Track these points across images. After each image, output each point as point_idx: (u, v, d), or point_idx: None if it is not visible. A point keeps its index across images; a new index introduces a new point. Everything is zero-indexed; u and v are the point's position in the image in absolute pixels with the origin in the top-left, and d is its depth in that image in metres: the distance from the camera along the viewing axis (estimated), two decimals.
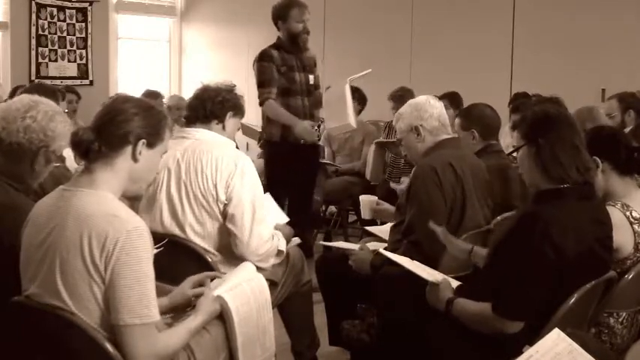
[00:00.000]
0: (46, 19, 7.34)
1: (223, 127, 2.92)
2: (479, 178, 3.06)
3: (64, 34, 7.53)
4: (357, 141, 5.84)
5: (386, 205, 3.43)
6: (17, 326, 2.00)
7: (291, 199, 4.63)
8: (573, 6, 6.19)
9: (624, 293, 2.38)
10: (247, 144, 6.83)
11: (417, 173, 2.96)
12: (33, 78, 7.12)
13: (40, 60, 7.31)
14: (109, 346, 1.86)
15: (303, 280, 3.12)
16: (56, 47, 7.45)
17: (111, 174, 1.97)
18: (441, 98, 3.33)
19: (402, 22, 7.10)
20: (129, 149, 1.99)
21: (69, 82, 7.07)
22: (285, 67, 4.47)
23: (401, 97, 5.24)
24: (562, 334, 1.77)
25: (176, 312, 2.29)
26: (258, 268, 2.58)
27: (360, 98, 5.84)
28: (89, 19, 7.71)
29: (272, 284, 2.76)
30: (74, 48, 7.62)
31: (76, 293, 1.86)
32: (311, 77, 4.61)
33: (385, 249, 2.88)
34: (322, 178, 5.57)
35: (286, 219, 3.24)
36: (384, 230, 3.33)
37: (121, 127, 1.98)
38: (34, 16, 7.21)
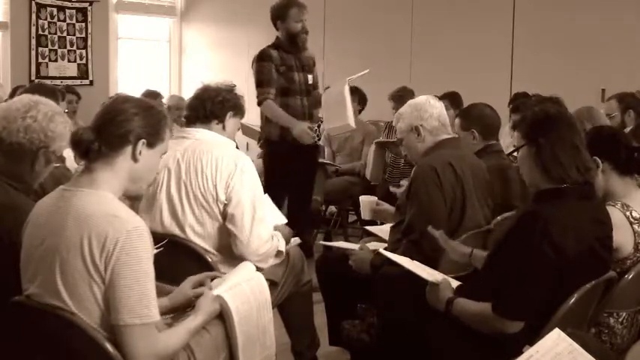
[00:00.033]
0: (46, 19, 7.35)
1: (223, 127, 2.92)
2: (479, 178, 3.06)
3: (64, 34, 7.53)
4: (357, 141, 5.84)
5: (386, 206, 3.43)
6: (17, 326, 2.00)
7: (290, 199, 4.62)
8: (573, 6, 6.19)
9: (624, 293, 2.39)
10: (247, 144, 6.84)
11: (417, 173, 2.96)
12: (33, 78, 7.12)
13: (40, 60, 7.31)
14: (109, 346, 1.86)
15: (303, 280, 3.12)
16: (56, 47, 7.45)
17: (111, 174, 1.97)
18: (441, 98, 3.33)
19: (402, 22, 7.11)
20: (129, 149, 1.99)
21: (69, 82, 7.08)
22: (284, 67, 4.47)
23: (401, 97, 5.24)
24: (562, 334, 1.77)
25: (176, 312, 2.29)
26: (258, 268, 2.58)
27: (360, 98, 5.85)
28: (89, 19, 7.71)
29: (272, 284, 2.76)
30: (74, 48, 7.63)
31: (76, 293, 1.86)
32: (310, 77, 4.61)
33: (385, 249, 2.88)
34: (322, 178, 5.57)
35: (285, 220, 3.23)
36: (384, 230, 3.33)
37: (121, 126, 1.98)
38: (34, 16, 7.21)
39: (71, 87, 6.45)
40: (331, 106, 4.40)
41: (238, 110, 2.98)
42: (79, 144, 1.96)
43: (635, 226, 2.46)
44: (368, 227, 3.59)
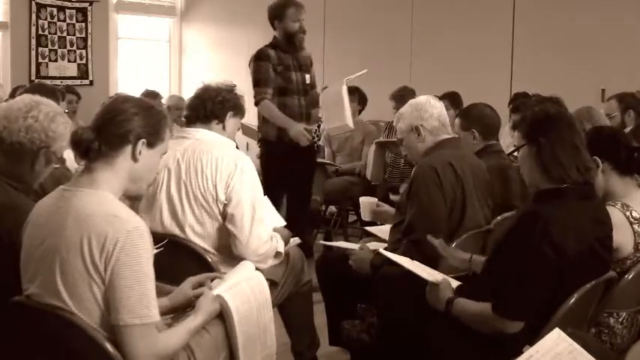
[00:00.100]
0: (46, 19, 7.35)
1: (223, 127, 2.92)
2: (479, 178, 3.06)
3: (64, 34, 7.53)
4: (357, 141, 5.84)
5: (386, 207, 3.43)
6: (17, 326, 2.00)
7: (289, 199, 4.63)
8: (573, 6, 6.19)
9: (624, 293, 2.38)
10: (247, 144, 6.83)
11: (417, 173, 2.96)
12: (33, 78, 7.12)
13: (40, 60, 7.31)
14: (109, 346, 1.86)
15: (303, 280, 3.12)
16: (56, 47, 7.45)
17: (111, 174, 1.97)
18: (441, 98, 3.33)
19: (402, 22, 7.11)
20: (129, 149, 1.99)
21: (69, 82, 7.08)
22: (281, 67, 4.46)
23: (402, 96, 5.24)
24: (562, 334, 1.77)
25: (176, 312, 2.29)
26: (257, 268, 2.58)
27: (360, 98, 5.84)
28: (89, 19, 7.71)
29: (272, 284, 2.76)
30: (74, 48, 7.63)
31: (76, 293, 1.86)
32: (307, 76, 4.61)
33: (385, 249, 2.88)
34: (322, 178, 5.57)
35: (283, 222, 3.23)
36: (384, 230, 3.33)
37: (120, 126, 1.98)
38: (34, 16, 7.21)
39: (71, 87, 6.45)
40: (329, 107, 4.40)
41: (238, 110, 2.98)
42: (78, 143, 1.96)
43: (635, 226, 2.46)
44: (368, 227, 3.59)
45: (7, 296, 1.99)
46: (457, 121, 3.63)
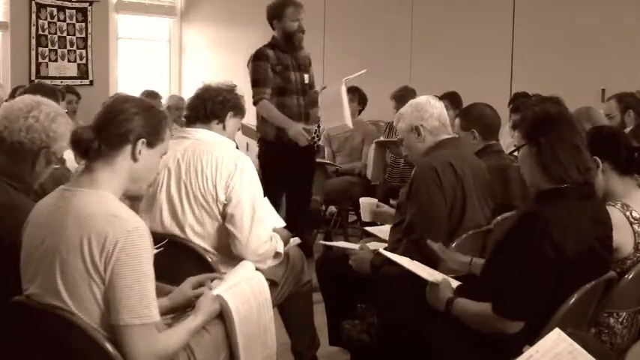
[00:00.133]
0: (46, 19, 7.34)
1: (224, 127, 2.92)
2: (479, 178, 3.06)
3: (64, 34, 7.53)
4: (357, 141, 5.84)
5: (386, 208, 3.43)
6: (17, 326, 2.00)
7: (288, 199, 4.63)
8: (573, 6, 6.19)
9: (624, 293, 2.38)
10: (247, 144, 6.83)
11: (417, 173, 2.96)
12: (33, 78, 7.12)
13: (40, 60, 7.31)
14: (109, 346, 1.86)
15: (303, 280, 3.12)
16: (56, 47, 7.45)
17: (111, 174, 1.97)
18: (440, 99, 3.32)
19: (402, 22, 7.11)
20: (128, 148, 1.99)
21: (69, 82, 7.08)
22: (280, 67, 4.46)
23: (403, 96, 5.24)
24: (562, 334, 1.77)
25: (176, 312, 2.29)
26: (257, 269, 2.58)
27: (360, 98, 5.84)
28: (89, 19, 7.71)
29: (272, 284, 2.76)
30: (74, 48, 7.63)
31: (76, 293, 1.86)
32: (306, 76, 4.60)
33: (385, 249, 2.89)
34: (322, 178, 5.57)
35: (283, 223, 3.23)
36: (384, 230, 3.33)
37: (121, 126, 1.98)
38: (34, 16, 7.21)
39: (71, 87, 6.45)
40: (328, 107, 4.40)
41: (239, 110, 2.98)
42: (78, 143, 1.96)
43: (635, 226, 2.46)
44: (368, 227, 3.59)
45: (7, 296, 1.99)
46: (457, 121, 3.63)
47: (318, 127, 5.85)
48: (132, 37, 8.48)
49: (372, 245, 3.18)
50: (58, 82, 6.86)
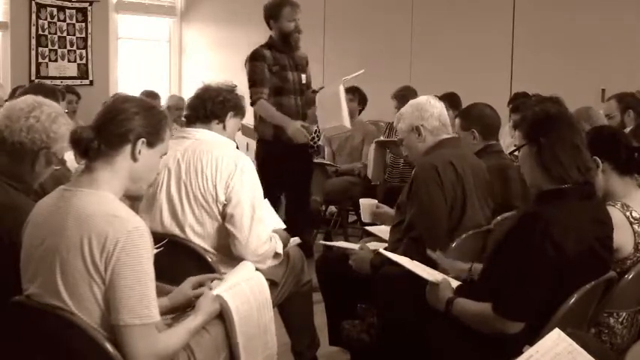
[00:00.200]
0: (46, 19, 7.34)
1: (224, 127, 2.92)
2: (479, 177, 3.06)
3: (64, 34, 7.52)
4: (357, 141, 5.84)
5: (385, 209, 3.43)
6: (17, 326, 2.00)
7: (287, 199, 4.63)
8: (573, 6, 6.19)
9: (624, 293, 2.39)
10: (247, 144, 6.83)
11: (417, 172, 2.96)
12: (33, 78, 7.12)
13: (40, 60, 7.31)
14: (109, 346, 1.86)
15: (303, 280, 3.12)
16: (56, 47, 7.45)
17: (111, 173, 1.97)
18: (439, 99, 3.32)
19: (402, 22, 7.11)
20: (128, 148, 1.99)
21: (69, 82, 7.07)
22: (277, 67, 4.46)
23: (404, 96, 5.23)
24: (562, 334, 1.77)
25: (176, 312, 2.29)
26: (257, 269, 2.58)
27: (360, 98, 5.84)
28: (89, 19, 7.71)
29: (272, 284, 2.76)
30: (74, 48, 7.62)
31: (77, 293, 1.86)
32: (303, 76, 4.60)
33: (385, 249, 2.89)
34: (321, 179, 5.57)
35: (283, 225, 3.23)
36: (384, 230, 3.33)
37: (121, 125, 1.98)
38: (34, 16, 7.21)
39: (71, 87, 6.45)
40: (326, 107, 4.39)
41: (239, 110, 2.98)
42: (78, 142, 1.96)
43: (635, 226, 2.46)
44: (368, 227, 3.59)
45: (7, 296, 1.99)
46: (457, 121, 3.63)
47: (317, 131, 5.86)
48: (132, 37, 8.47)
49: (372, 245, 3.18)
50: (58, 82, 6.86)
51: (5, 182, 2.29)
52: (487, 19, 6.65)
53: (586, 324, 2.34)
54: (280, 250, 2.93)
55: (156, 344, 1.89)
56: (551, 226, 2.08)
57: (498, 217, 3.03)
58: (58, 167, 2.53)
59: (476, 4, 6.71)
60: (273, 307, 2.66)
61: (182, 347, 2.04)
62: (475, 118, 3.55)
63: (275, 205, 3.84)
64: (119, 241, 1.83)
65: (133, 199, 2.31)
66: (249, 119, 4.12)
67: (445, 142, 3.06)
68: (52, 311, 1.88)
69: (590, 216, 2.22)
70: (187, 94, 4.36)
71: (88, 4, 7.67)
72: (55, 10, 7.41)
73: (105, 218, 1.86)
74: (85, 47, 7.72)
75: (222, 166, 2.74)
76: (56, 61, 7.45)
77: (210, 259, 2.71)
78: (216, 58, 8.46)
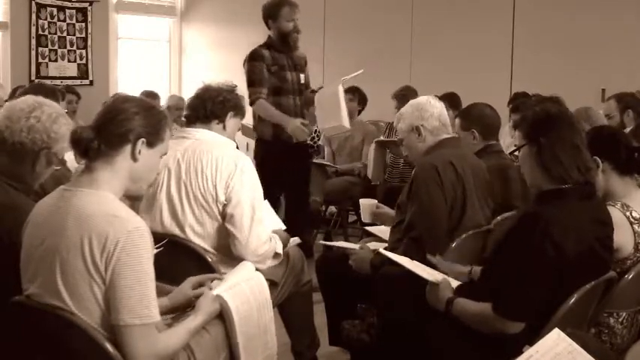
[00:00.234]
0: (46, 19, 7.34)
1: (224, 127, 2.92)
2: (479, 177, 3.06)
3: (64, 34, 7.52)
4: (357, 141, 5.83)
5: (386, 209, 3.43)
6: (17, 326, 2.00)
7: (287, 199, 4.63)
8: (573, 6, 6.19)
9: (624, 293, 2.38)
10: (247, 144, 6.83)
11: (417, 172, 2.96)
12: (33, 78, 7.11)
13: (40, 60, 7.31)
14: (109, 346, 1.86)
15: (303, 280, 3.12)
16: (56, 47, 7.45)
17: (111, 173, 1.97)
18: (439, 99, 3.32)
19: (402, 22, 7.11)
20: (128, 148, 1.99)
21: (69, 82, 7.07)
22: (276, 67, 4.46)
23: (404, 96, 5.23)
24: (562, 334, 1.77)
25: (176, 312, 2.29)
26: (257, 269, 2.58)
27: (360, 98, 5.84)
28: (89, 19, 7.70)
29: (272, 284, 2.76)
30: (74, 48, 7.62)
31: (77, 293, 1.86)
32: (302, 76, 4.61)
33: (385, 249, 2.89)
34: (321, 179, 5.57)
35: (283, 226, 3.23)
36: (384, 230, 3.33)
37: (121, 125, 1.98)
38: (34, 16, 7.21)
39: (71, 87, 6.45)
40: (325, 107, 4.39)
41: (239, 110, 2.98)
42: (78, 142, 1.96)
43: (636, 227, 2.46)
44: (368, 227, 3.59)
45: (7, 296, 1.99)
46: (457, 121, 3.63)
47: (316, 131, 5.87)
48: (132, 37, 8.47)
49: (372, 245, 3.18)
50: (58, 82, 6.86)
51: (5, 182, 2.29)
52: (487, 19, 6.65)
53: (586, 324, 2.34)
54: (280, 251, 2.93)
55: (156, 344, 1.89)
56: (551, 226, 2.08)
57: (498, 217, 3.03)
58: (58, 167, 2.53)
59: (476, 4, 6.71)
60: (273, 307, 2.66)
61: (182, 347, 2.04)
62: (475, 118, 3.55)
63: (275, 205, 3.84)
64: (119, 241, 1.83)
65: (133, 199, 2.31)
66: (248, 119, 4.12)
67: (445, 142, 3.06)
68: (52, 311, 1.88)
69: (591, 216, 2.22)
70: (187, 94, 4.36)
71: (88, 4, 7.67)
72: (55, 10, 7.41)
73: (105, 218, 1.86)
74: (85, 47, 7.72)
75: (222, 166, 2.74)
76: (56, 61, 7.45)
77: (210, 259, 2.71)
78: (216, 58, 8.45)
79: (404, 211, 2.99)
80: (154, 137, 2.03)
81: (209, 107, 2.89)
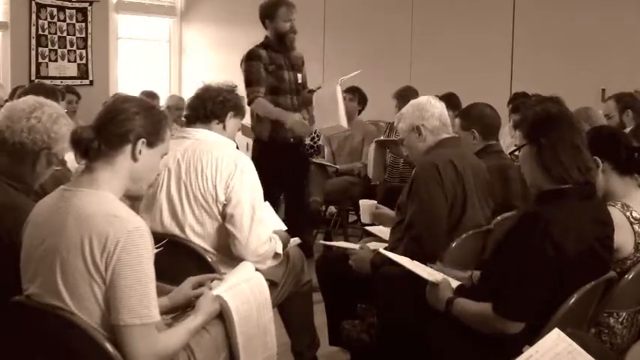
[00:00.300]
0: (46, 19, 7.34)
1: (224, 127, 2.92)
2: (479, 177, 3.06)
3: (64, 34, 7.52)
4: (357, 141, 5.83)
5: (385, 210, 3.43)
6: (17, 326, 2.00)
7: (286, 199, 4.63)
8: (573, 6, 6.19)
9: (624, 293, 2.38)
10: (247, 144, 6.83)
11: (418, 171, 2.96)
12: (33, 78, 7.11)
13: (40, 60, 7.30)
14: (109, 346, 1.86)
15: (303, 280, 3.12)
16: (56, 47, 7.45)
17: (111, 173, 1.98)
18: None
19: (402, 22, 7.11)
20: (128, 148, 1.99)
21: (69, 82, 7.07)
22: (273, 66, 4.47)
23: (405, 96, 5.23)
24: (562, 334, 1.77)
25: (176, 312, 2.29)
26: (257, 269, 2.58)
27: (360, 98, 5.84)
28: (89, 19, 7.70)
29: (272, 284, 2.76)
30: (74, 48, 7.62)
31: (77, 293, 1.86)
32: (299, 76, 4.61)
33: (385, 249, 2.89)
34: (321, 178, 5.57)
35: (284, 227, 3.23)
36: (384, 230, 3.33)
37: (121, 125, 1.98)
38: (34, 16, 7.21)
39: (71, 87, 6.45)
40: (323, 107, 4.40)
41: (239, 110, 2.98)
42: (78, 142, 1.96)
43: (636, 227, 2.46)
44: (368, 227, 3.59)
45: (7, 296, 1.99)
46: (457, 121, 3.63)
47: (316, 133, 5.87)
48: (132, 37, 8.47)
49: (372, 245, 3.18)
50: (58, 82, 6.85)
51: (5, 182, 2.29)
52: (487, 19, 6.65)
53: (586, 324, 2.34)
54: (280, 251, 2.93)
55: (156, 344, 1.90)
56: (551, 226, 2.08)
57: (498, 217, 3.03)
58: (58, 168, 2.53)
59: (476, 4, 6.71)
60: (273, 307, 2.66)
61: (182, 347, 2.04)
62: (475, 118, 3.55)
63: (274, 205, 3.84)
64: (120, 241, 1.83)
65: (133, 199, 2.31)
66: (248, 119, 4.12)
67: (445, 141, 3.07)
68: (52, 311, 1.88)
69: (591, 216, 2.22)
70: (187, 94, 4.36)
71: (88, 4, 7.67)
72: (55, 10, 7.41)
73: (105, 218, 1.86)
74: (85, 47, 7.71)
75: (222, 166, 2.74)
76: (56, 61, 7.45)
77: (210, 259, 2.71)
78: (216, 58, 8.45)
79: (404, 211, 2.99)
80: (154, 137, 2.03)
81: (209, 107, 2.89)
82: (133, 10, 8.30)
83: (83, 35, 7.68)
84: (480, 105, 3.64)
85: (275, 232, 3.01)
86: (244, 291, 2.33)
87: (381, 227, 3.44)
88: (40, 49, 7.30)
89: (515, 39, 6.53)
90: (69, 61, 7.58)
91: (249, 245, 2.74)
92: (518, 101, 4.89)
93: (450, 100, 5.33)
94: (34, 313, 1.93)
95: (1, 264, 2.13)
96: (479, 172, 3.08)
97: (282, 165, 4.45)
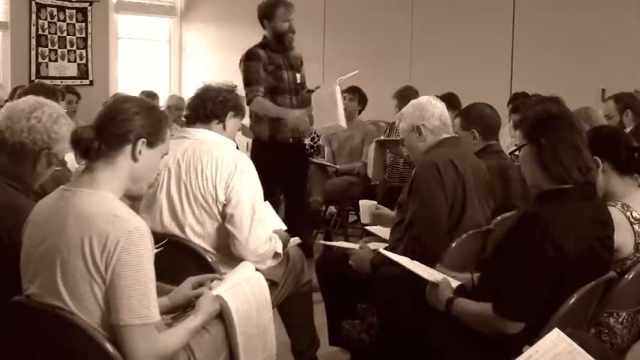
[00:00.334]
0: (46, 19, 7.34)
1: (224, 127, 2.92)
2: (479, 177, 3.06)
3: (64, 34, 7.52)
4: (357, 141, 5.83)
5: (386, 210, 3.43)
6: (17, 326, 2.00)
7: (286, 199, 4.63)
8: (573, 6, 6.19)
9: (624, 293, 2.38)
10: (247, 144, 6.83)
11: (418, 170, 2.97)
12: (33, 78, 7.11)
13: (40, 60, 7.31)
14: (109, 346, 1.86)
15: (303, 280, 3.12)
16: (56, 47, 7.45)
17: (111, 173, 1.98)
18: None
19: (402, 22, 7.11)
20: (128, 148, 1.99)
21: (69, 82, 7.07)
22: (272, 66, 4.47)
23: (405, 96, 5.23)
24: (562, 334, 1.77)
25: (176, 312, 2.29)
26: (256, 269, 2.58)
27: (360, 98, 5.84)
28: (89, 19, 7.70)
29: (272, 284, 2.76)
30: (74, 48, 7.62)
31: (77, 293, 1.86)
32: (298, 76, 4.62)
33: (385, 249, 2.89)
34: (321, 178, 5.57)
35: (284, 226, 3.23)
36: (384, 230, 3.33)
37: (121, 125, 1.98)
38: (34, 16, 7.21)
39: (71, 87, 6.45)
40: (321, 107, 4.40)
41: (239, 110, 2.98)
42: (78, 142, 1.97)
43: (636, 227, 2.46)
44: (368, 227, 3.59)
45: (7, 296, 1.99)
46: (457, 120, 3.63)
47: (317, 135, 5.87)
48: (132, 37, 8.47)
49: (372, 245, 3.18)
50: (58, 82, 6.86)
51: (5, 182, 2.29)
52: (487, 19, 6.65)
53: (586, 324, 2.34)
54: (280, 251, 2.93)
55: (156, 344, 1.90)
56: (551, 226, 2.08)
57: (498, 217, 3.03)
58: (58, 168, 2.53)
59: (476, 4, 6.71)
60: (273, 307, 2.66)
61: (182, 347, 2.04)
62: (475, 118, 3.55)
63: (274, 205, 3.84)
64: (120, 241, 1.83)
65: (133, 199, 2.31)
66: (248, 119, 4.13)
67: (445, 141, 3.07)
68: (52, 311, 1.88)
69: (591, 216, 2.22)
70: (187, 94, 4.37)
71: (88, 4, 7.67)
72: (55, 10, 7.41)
73: (105, 218, 1.86)
74: (85, 47, 7.71)
75: (222, 166, 2.74)
76: (56, 61, 7.45)
77: (210, 259, 2.71)
78: (216, 58, 8.45)
79: (404, 211, 2.99)
80: (154, 137, 2.04)
81: (209, 107, 2.89)
82: (133, 10, 8.30)
83: (83, 35, 7.68)
84: (480, 105, 3.64)
85: (275, 232, 3.01)
86: (244, 291, 2.33)
87: (381, 227, 3.44)
88: (40, 49, 7.30)
89: (515, 39, 6.53)
90: (69, 61, 7.58)
91: (249, 245, 2.74)
92: (518, 101, 4.89)
93: (450, 100, 5.33)
94: (34, 313, 1.93)
95: (1, 264, 2.13)
96: (479, 172, 3.08)
97: (282, 165, 4.45)
